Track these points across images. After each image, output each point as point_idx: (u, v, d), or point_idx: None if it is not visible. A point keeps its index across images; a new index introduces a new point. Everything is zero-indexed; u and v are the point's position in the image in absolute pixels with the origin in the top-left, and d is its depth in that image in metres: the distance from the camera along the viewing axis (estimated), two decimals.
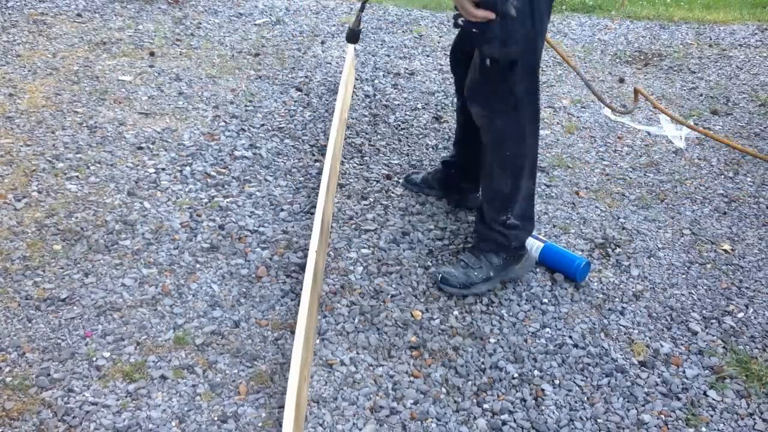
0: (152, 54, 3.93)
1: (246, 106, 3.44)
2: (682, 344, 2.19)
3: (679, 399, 1.99)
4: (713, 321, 2.29)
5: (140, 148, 2.98)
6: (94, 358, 1.96)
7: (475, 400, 1.94)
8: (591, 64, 4.34)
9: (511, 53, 1.98)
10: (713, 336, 2.23)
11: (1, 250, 2.33)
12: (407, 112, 3.52)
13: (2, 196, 2.58)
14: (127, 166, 2.85)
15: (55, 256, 2.33)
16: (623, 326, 2.24)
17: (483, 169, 2.27)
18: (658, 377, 2.06)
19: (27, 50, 3.81)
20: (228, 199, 2.70)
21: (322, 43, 4.32)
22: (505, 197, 2.22)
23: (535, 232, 2.59)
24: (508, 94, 2.06)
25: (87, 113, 3.22)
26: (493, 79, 2.04)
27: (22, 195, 2.60)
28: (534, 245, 2.46)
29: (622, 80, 4.10)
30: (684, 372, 2.08)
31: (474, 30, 1.91)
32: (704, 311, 2.33)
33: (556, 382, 2.02)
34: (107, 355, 1.98)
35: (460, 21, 1.94)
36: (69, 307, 2.13)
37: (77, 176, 2.75)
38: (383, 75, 3.92)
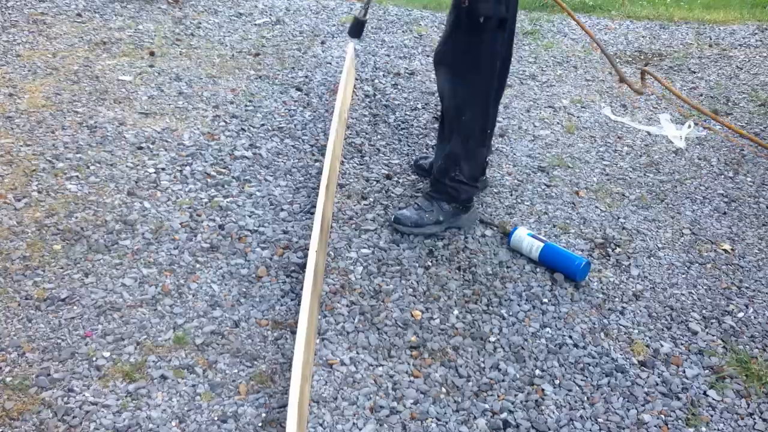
0: (152, 54, 3.93)
1: (246, 106, 3.44)
2: (682, 344, 2.19)
3: (679, 399, 1.99)
4: (713, 321, 2.29)
5: (140, 148, 2.98)
6: (94, 358, 1.96)
7: (475, 400, 1.94)
8: (591, 63, 4.34)
9: (502, 11, 2.26)
10: (713, 336, 2.23)
11: (1, 250, 2.33)
12: (407, 112, 3.52)
13: (2, 196, 2.58)
14: (127, 166, 2.85)
15: (55, 256, 2.33)
16: (623, 326, 2.24)
17: (441, 130, 2.58)
18: (658, 377, 2.06)
19: (27, 50, 3.81)
20: (228, 199, 2.70)
21: (322, 43, 4.32)
22: (455, 157, 2.47)
23: (534, 232, 2.59)
24: (475, 56, 2.31)
25: (87, 113, 3.22)
26: (465, 41, 2.31)
27: (22, 195, 2.60)
28: (534, 245, 2.46)
29: (622, 80, 4.09)
30: (684, 372, 2.08)
31: None
32: (704, 311, 2.33)
33: (557, 382, 2.02)
34: (107, 355, 1.98)
35: None
36: (69, 307, 2.13)
37: (77, 176, 2.75)
38: (383, 75, 3.92)
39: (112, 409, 1.82)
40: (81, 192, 2.66)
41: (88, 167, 2.81)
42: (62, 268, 2.29)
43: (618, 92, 3.94)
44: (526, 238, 2.49)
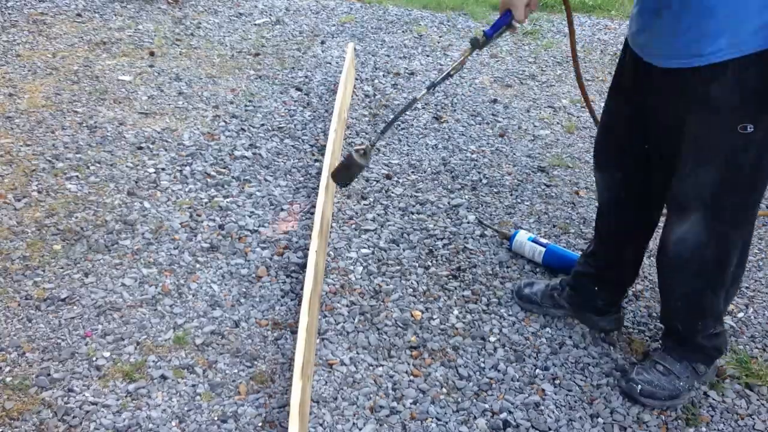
0: (152, 54, 3.92)
1: (246, 106, 3.44)
2: None
3: None
4: None
5: (140, 148, 2.98)
6: (94, 358, 1.96)
7: (475, 400, 1.94)
8: (591, 63, 4.34)
9: None
10: None
11: (1, 250, 2.33)
12: (407, 112, 3.51)
13: (2, 196, 2.58)
14: (127, 166, 2.85)
15: (55, 256, 2.33)
16: (623, 326, 2.24)
17: (683, 288, 1.87)
18: None
19: (27, 50, 3.81)
20: (228, 199, 2.70)
21: (322, 42, 4.32)
22: (718, 313, 1.92)
23: (534, 234, 2.59)
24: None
25: (87, 113, 3.22)
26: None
27: (22, 195, 2.60)
28: (536, 250, 2.45)
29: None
30: None
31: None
32: None
33: (557, 381, 2.02)
34: (107, 354, 1.98)
35: None
36: (69, 307, 2.13)
37: (77, 176, 2.75)
38: (383, 75, 3.92)
39: (112, 409, 1.82)
40: (81, 192, 2.66)
41: (88, 167, 2.81)
42: (62, 268, 2.29)
43: None
44: (527, 244, 2.48)
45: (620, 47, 4.58)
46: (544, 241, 2.49)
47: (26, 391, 1.84)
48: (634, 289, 2.40)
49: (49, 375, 1.90)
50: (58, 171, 2.76)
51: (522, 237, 2.50)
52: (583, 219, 2.76)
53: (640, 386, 1.94)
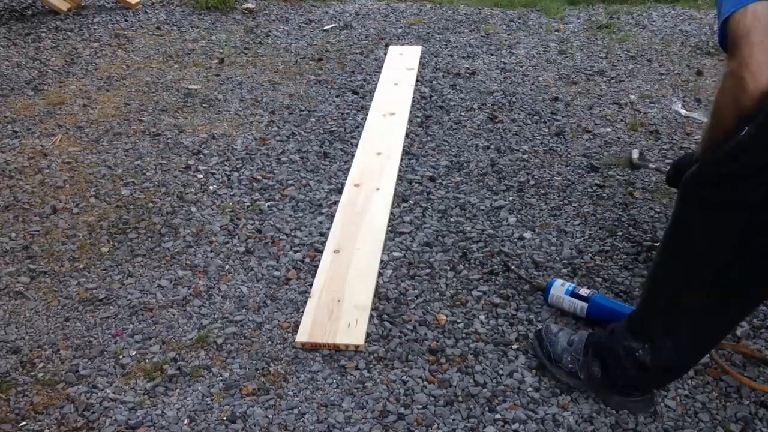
0: (221, 62, 4.07)
1: (300, 110, 3.49)
2: None
3: None
4: None
5: (195, 154, 3.09)
6: (121, 356, 2.05)
7: (487, 408, 1.87)
8: (668, 56, 4.10)
9: None
10: None
11: (53, 251, 2.49)
12: (462, 113, 3.46)
13: (61, 201, 2.75)
14: (179, 171, 2.96)
15: (101, 258, 2.46)
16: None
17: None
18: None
19: (106, 63, 4.05)
20: (269, 203, 2.75)
21: (386, 45, 4.32)
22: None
23: (573, 283, 2.41)
24: None
25: (151, 121, 3.38)
26: None
27: (80, 200, 2.76)
28: (577, 306, 2.13)
29: (700, 72, 3.85)
30: None
31: None
32: None
33: (575, 394, 1.91)
34: (133, 353, 2.06)
35: None
36: (105, 307, 2.24)
37: (133, 182, 2.89)
38: (443, 75, 3.88)
39: (128, 405, 1.89)
40: (133, 197, 2.79)
41: (144, 174, 2.95)
42: (106, 270, 2.41)
43: (694, 85, 3.70)
44: (566, 299, 2.16)
45: (703, 38, 4.32)
46: (586, 292, 2.15)
47: (54, 387, 1.95)
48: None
49: (77, 372, 2.00)
50: (115, 177, 2.91)
51: (558, 290, 2.19)
52: (634, 221, 2.61)
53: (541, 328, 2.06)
